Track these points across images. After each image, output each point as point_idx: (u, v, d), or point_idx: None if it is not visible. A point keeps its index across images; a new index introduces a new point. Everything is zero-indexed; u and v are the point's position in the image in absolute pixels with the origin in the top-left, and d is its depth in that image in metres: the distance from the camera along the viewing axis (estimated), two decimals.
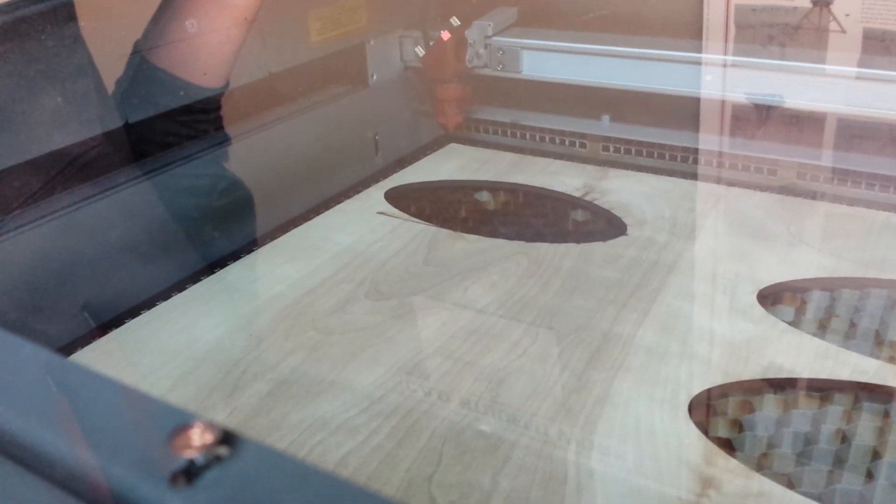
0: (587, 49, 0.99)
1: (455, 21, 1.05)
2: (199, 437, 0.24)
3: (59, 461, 0.26)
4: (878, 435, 0.57)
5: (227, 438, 0.23)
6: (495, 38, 1.03)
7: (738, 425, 0.59)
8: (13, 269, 0.68)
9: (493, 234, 0.86)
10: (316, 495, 0.21)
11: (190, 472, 0.23)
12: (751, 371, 0.62)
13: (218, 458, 0.23)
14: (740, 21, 0.93)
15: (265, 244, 0.86)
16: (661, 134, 1.00)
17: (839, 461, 0.56)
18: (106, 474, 0.25)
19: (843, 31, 0.89)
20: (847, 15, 0.88)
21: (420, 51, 1.08)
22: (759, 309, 0.69)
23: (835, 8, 0.88)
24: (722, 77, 0.89)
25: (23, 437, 0.27)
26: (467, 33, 1.03)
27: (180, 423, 0.24)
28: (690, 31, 0.94)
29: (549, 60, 1.02)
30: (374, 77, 1.07)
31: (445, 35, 1.04)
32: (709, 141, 0.96)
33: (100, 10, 0.72)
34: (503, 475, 0.53)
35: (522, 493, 0.52)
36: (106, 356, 0.68)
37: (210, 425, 0.24)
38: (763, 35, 0.92)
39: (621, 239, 0.82)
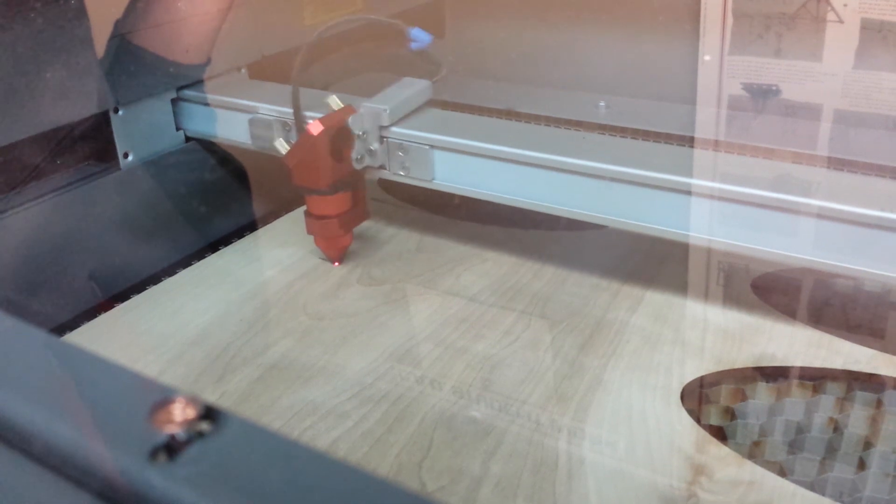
0: (538, 159, 0.66)
1: (335, 102, 0.73)
2: (180, 413, 0.23)
3: (40, 437, 0.25)
4: (871, 424, 0.57)
5: (210, 414, 0.23)
6: (395, 129, 0.72)
7: (731, 413, 0.59)
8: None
9: (486, 220, 0.85)
10: (299, 470, 0.20)
11: (171, 448, 0.22)
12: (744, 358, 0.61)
13: (200, 434, 0.23)
14: (738, 10, 0.93)
15: (256, 229, 0.85)
16: None
17: (831, 450, 0.56)
18: (87, 450, 0.24)
19: (841, 21, 0.89)
20: (845, 5, 0.88)
21: (283, 144, 0.74)
22: None
23: None
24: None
25: (4, 412, 0.27)
26: (352, 121, 0.71)
27: (162, 399, 0.24)
28: (688, 20, 0.93)
29: (476, 167, 0.70)
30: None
31: (315, 126, 0.70)
32: None
33: None
34: (494, 461, 0.53)
35: (513, 478, 0.52)
36: (95, 339, 0.68)
37: (192, 400, 0.23)
38: (760, 25, 0.91)
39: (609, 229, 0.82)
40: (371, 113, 0.72)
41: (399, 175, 0.73)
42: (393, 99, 0.73)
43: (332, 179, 0.72)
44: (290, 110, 0.74)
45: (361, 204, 0.76)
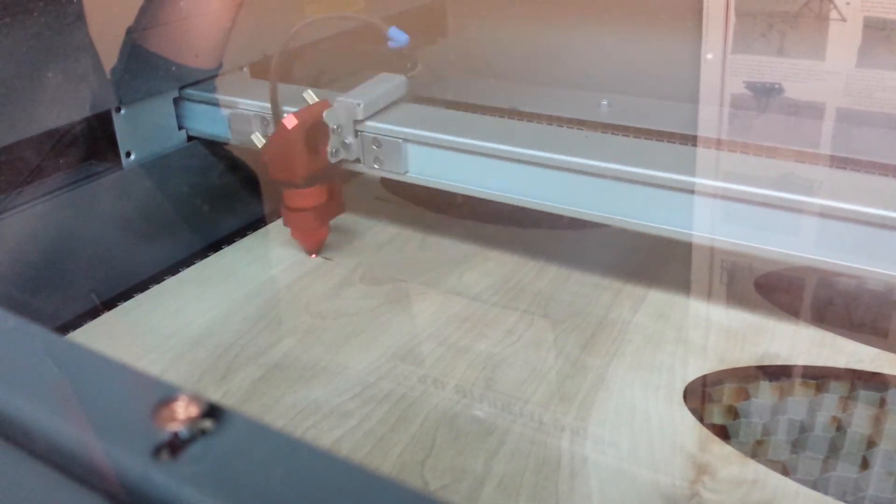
0: (514, 154, 0.67)
1: (311, 96, 0.73)
2: (183, 411, 0.23)
3: (43, 435, 0.25)
4: (874, 423, 0.57)
5: (213, 412, 0.23)
6: (370, 124, 0.74)
7: (734, 412, 0.59)
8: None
9: (488, 220, 0.85)
10: (302, 468, 0.20)
11: (174, 446, 0.22)
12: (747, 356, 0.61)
13: (203, 432, 0.23)
14: (740, 9, 0.93)
15: (259, 228, 0.85)
16: None
17: (834, 449, 0.56)
18: (90, 448, 0.24)
19: (844, 20, 0.88)
20: (848, 3, 0.88)
21: (259, 138, 0.74)
22: None
23: None
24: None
25: (6, 410, 0.27)
26: (327, 115, 0.71)
27: (165, 397, 0.24)
28: (690, 18, 0.93)
29: (448, 160, 0.71)
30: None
31: (290, 120, 0.70)
32: None
33: None
34: (496, 460, 0.53)
35: (515, 478, 0.51)
36: (98, 338, 0.68)
37: (195, 398, 0.23)
38: (763, 23, 0.91)
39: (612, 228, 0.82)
40: (345, 107, 0.73)
41: (374, 168, 0.74)
42: (367, 94, 0.74)
43: (308, 173, 0.72)
44: (269, 105, 0.75)
45: (338, 197, 0.77)
